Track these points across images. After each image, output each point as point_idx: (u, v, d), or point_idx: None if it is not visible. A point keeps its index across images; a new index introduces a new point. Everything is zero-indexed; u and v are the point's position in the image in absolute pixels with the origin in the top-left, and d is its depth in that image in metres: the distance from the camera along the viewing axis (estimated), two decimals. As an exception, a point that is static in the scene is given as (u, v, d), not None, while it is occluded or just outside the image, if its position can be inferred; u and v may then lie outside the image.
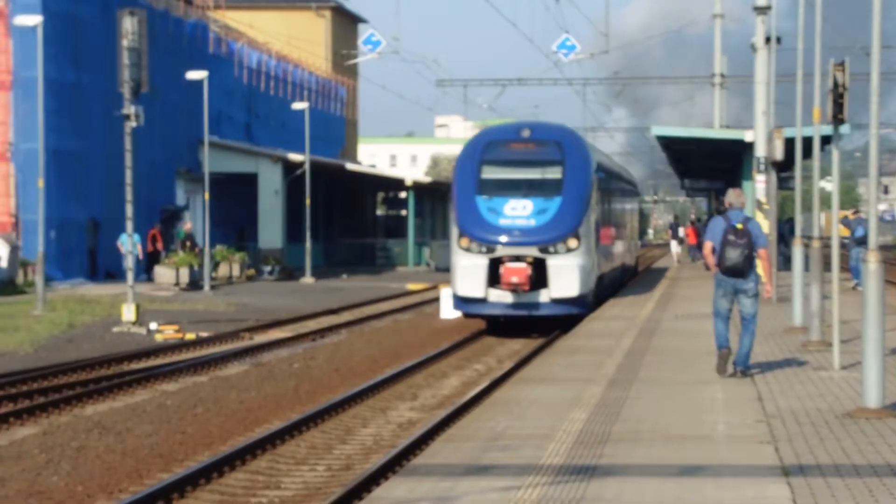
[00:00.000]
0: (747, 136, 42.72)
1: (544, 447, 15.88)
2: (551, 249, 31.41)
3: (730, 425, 17.97)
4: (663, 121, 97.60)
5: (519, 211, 31.61)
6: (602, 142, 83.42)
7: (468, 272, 31.42)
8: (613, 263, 46.54)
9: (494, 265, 31.34)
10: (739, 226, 21.24)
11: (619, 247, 50.14)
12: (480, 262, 31.18)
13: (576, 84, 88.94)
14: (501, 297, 31.44)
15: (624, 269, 55.34)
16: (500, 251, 31.25)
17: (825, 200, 36.88)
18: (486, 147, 33.96)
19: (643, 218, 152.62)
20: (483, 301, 31.51)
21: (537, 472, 14.03)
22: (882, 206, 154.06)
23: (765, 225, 34.22)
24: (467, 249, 31.60)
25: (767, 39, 39.79)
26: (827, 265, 28.59)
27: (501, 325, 34.42)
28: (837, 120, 24.15)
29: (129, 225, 38.84)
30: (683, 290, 50.13)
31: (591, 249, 33.46)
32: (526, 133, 34.45)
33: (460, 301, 32.46)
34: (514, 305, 31.50)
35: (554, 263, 31.34)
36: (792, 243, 33.74)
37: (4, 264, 52.24)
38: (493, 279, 31.32)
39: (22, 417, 22.28)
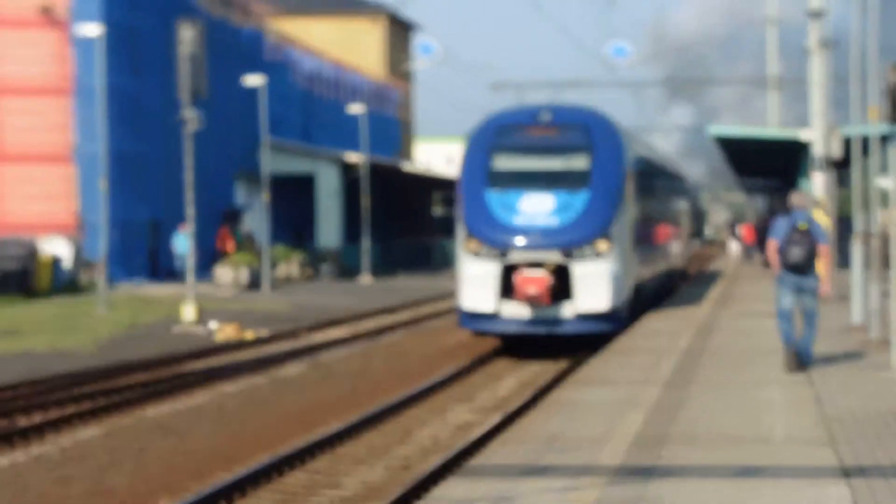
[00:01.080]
0: (803, 136, 42.41)
1: (601, 449, 15.79)
2: (577, 254, 25.89)
3: (788, 427, 17.82)
4: (723, 120, 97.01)
5: (538, 207, 26.13)
6: (658, 141, 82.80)
7: (476, 282, 26.03)
8: (656, 268, 40.33)
9: (508, 273, 25.92)
10: (803, 226, 21.73)
11: (663, 249, 43.57)
12: (492, 270, 25.84)
13: (630, 87, 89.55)
14: (517, 311, 25.97)
15: (670, 275, 49.55)
16: (515, 256, 25.89)
17: (883, 199, 36.72)
18: (498, 132, 28.04)
19: (699, 216, 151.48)
20: (495, 317, 26.03)
21: (595, 474, 13.93)
22: None
23: (825, 222, 34.23)
24: (476, 254, 26.26)
25: (823, 43, 40.09)
26: (886, 263, 29.00)
27: (517, 344, 28.86)
28: (894, 119, 24.58)
29: (190, 226, 39.34)
30: (741, 289, 49.99)
31: (625, 253, 28.01)
32: (546, 116, 28.31)
33: (467, 316, 26.86)
34: (532, 322, 26.05)
35: (580, 271, 25.82)
36: (850, 242, 33.71)
37: (68, 265, 52.62)
38: (507, 290, 25.85)
39: (85, 418, 22.43)
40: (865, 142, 30.05)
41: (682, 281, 57.97)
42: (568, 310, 25.72)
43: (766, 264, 43.91)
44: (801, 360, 22.63)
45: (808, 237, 21.93)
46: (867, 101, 27.14)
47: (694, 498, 12.66)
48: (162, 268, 60.05)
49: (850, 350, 26.75)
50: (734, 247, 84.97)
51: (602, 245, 25.94)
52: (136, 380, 27.29)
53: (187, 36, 38.26)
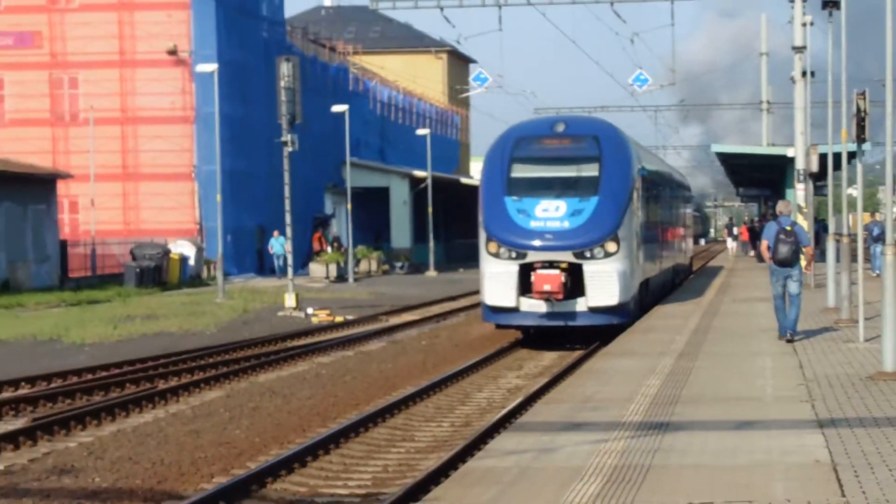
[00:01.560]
0: (789, 152, 42.13)
1: (626, 407, 16.05)
2: (588, 254, 24.37)
3: (776, 388, 18.16)
4: (726, 140, 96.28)
5: (551, 212, 24.52)
6: (670, 157, 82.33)
7: (497, 279, 24.50)
8: (662, 266, 37.43)
9: (525, 272, 24.37)
10: (788, 228, 22.88)
11: (668, 249, 40.54)
12: (511, 269, 24.28)
13: (648, 110, 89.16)
14: (534, 306, 24.37)
15: (676, 270, 45.80)
16: (532, 256, 24.30)
17: (852, 205, 36.67)
18: (516, 143, 26.37)
19: (705, 219, 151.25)
20: (515, 311, 24.54)
21: (621, 428, 14.19)
22: None
23: (805, 225, 34.34)
24: (496, 255, 24.67)
25: (804, 73, 39.78)
26: (854, 258, 29.28)
27: (534, 337, 27.33)
28: (860, 139, 24.87)
29: (289, 230, 39.83)
30: (738, 279, 49.23)
31: (632, 253, 26.22)
32: (560, 128, 26.71)
33: (489, 311, 25.38)
34: (548, 315, 24.44)
35: (591, 269, 24.30)
36: (825, 240, 34.47)
37: (193, 262, 54.08)
38: (525, 287, 24.32)
39: (210, 384, 23.05)
40: (838, 158, 29.90)
41: (689, 274, 54.66)
42: (581, 304, 24.18)
43: (759, 259, 43.64)
44: (788, 329, 23.47)
45: (793, 237, 22.86)
46: (840, 124, 26.95)
47: (701, 446, 12.92)
48: (267, 265, 60.75)
49: (825, 327, 27.02)
50: (731, 244, 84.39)
51: (611, 246, 24.43)
52: (250, 353, 27.83)
53: (285, 71, 38.38)
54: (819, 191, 42.57)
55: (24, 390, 22.11)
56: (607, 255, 24.11)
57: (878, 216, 47.66)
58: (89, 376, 23.82)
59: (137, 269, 49.58)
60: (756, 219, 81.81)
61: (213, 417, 19.84)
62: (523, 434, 14.33)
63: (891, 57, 18.39)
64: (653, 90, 65.61)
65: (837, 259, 30.47)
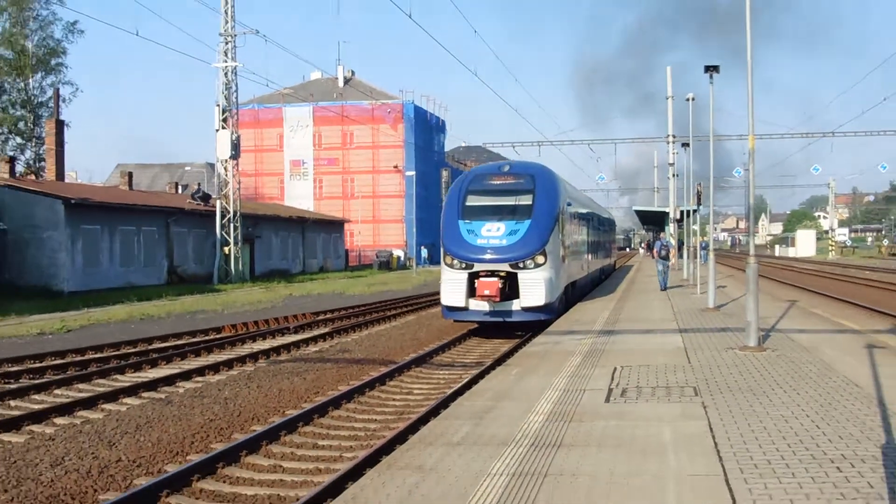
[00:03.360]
0: (667, 210, 47.94)
1: (596, 323, 19.46)
2: (521, 265, 21.62)
3: (661, 315, 21.52)
4: (641, 203, 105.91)
5: (493, 232, 22.02)
6: (615, 212, 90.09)
7: (452, 285, 21.84)
8: (589, 269, 31.94)
9: (472, 279, 21.78)
10: (664, 243, 30.68)
11: (594, 258, 34.25)
12: (461, 277, 21.68)
13: (606, 191, 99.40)
14: (480, 305, 21.72)
15: (603, 271, 40.96)
16: (478, 267, 21.72)
17: (694, 233, 44.17)
18: (472, 180, 24.02)
19: (630, 238, 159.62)
20: (465, 309, 21.82)
21: (592, 333, 17.34)
22: (722, 236, 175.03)
23: (673, 241, 42.48)
24: (451, 266, 22.05)
25: (674, 175, 48.15)
26: (695, 256, 36.43)
27: (484, 328, 24.02)
28: (698, 203, 31.31)
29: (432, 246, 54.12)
30: (645, 268, 53.39)
31: (557, 263, 22.88)
32: (506, 168, 24.52)
33: (446, 309, 22.39)
34: (491, 313, 21.70)
35: (524, 277, 21.56)
36: (682, 248, 44.26)
37: (402, 259, 75.01)
38: (472, 291, 21.74)
39: (409, 313, 29.80)
40: (688, 212, 39.94)
41: (614, 270, 51.58)
42: (516, 304, 21.52)
43: (652, 257, 49.30)
44: (663, 288, 29.64)
45: (666, 247, 29.66)
46: (691, 196, 32.62)
47: (629, 340, 15.95)
48: (435, 260, 77.97)
49: (681, 286, 31.47)
50: (642, 251, 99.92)
51: (539, 258, 21.74)
52: (425, 301, 34.44)
53: (444, 176, 57.27)
54: (679, 226, 47.22)
55: (329, 315, 28.94)
56: (537, 265, 21.65)
57: (703, 238, 58.55)
58: (356, 308, 31.29)
59: (378, 262, 70.73)
60: (650, 240, 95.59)
61: (409, 328, 24.56)
62: (545, 336, 16.82)
63: (711, 167, 24.03)
64: (609, 181, 78.51)
65: (686, 256, 38.15)
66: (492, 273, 21.58)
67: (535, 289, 21.57)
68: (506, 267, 21.64)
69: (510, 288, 21.59)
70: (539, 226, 22.38)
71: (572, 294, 26.68)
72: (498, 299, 21.32)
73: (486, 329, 23.60)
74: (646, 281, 37.66)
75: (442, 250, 22.42)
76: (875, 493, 6.51)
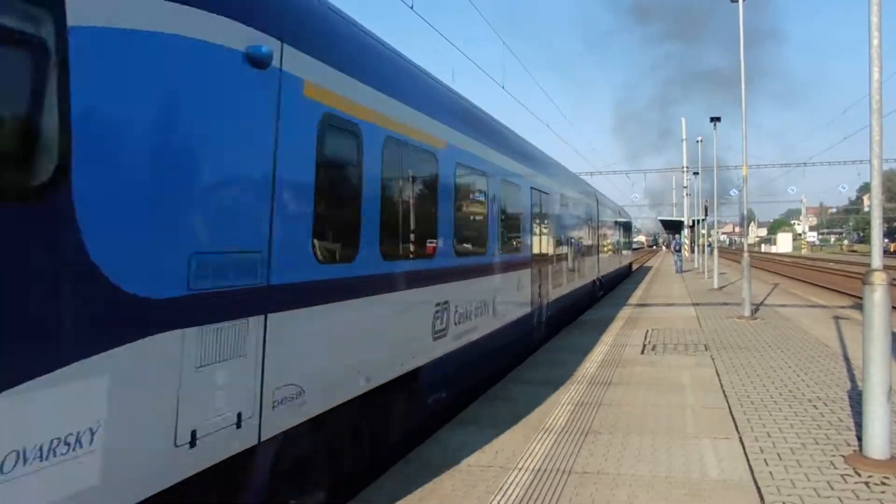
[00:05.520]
0: (683, 219, 48.43)
1: (631, 298, 18.66)
2: None
3: (679, 291, 20.77)
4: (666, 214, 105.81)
5: None
6: (646, 222, 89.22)
7: None
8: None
9: None
10: (679, 242, 30.44)
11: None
12: None
13: (638, 206, 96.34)
14: None
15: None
16: None
17: (702, 236, 43.51)
18: None
19: (657, 240, 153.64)
20: None
21: (628, 305, 16.72)
22: (723, 237, 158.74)
23: (687, 242, 40.67)
24: None
25: (687, 194, 46.13)
26: (703, 251, 31.87)
27: None
28: (706, 214, 30.14)
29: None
30: (665, 259, 52.15)
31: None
32: None
33: None
34: None
35: None
36: (694, 246, 40.33)
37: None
38: None
39: None
40: (698, 220, 35.86)
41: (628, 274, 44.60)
42: None
43: (670, 252, 48.29)
44: (679, 271, 28.58)
45: (679, 244, 29.34)
46: (700, 209, 32.63)
47: (654, 311, 15.21)
48: None
49: (695, 273, 29.65)
50: (664, 248, 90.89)
51: None
52: None
53: None
54: (692, 230, 47.31)
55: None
56: None
57: (709, 239, 56.61)
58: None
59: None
60: (669, 240, 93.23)
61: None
62: (597, 308, 16.22)
63: (715, 189, 23.17)
64: (642, 200, 73.13)
65: (697, 252, 36.02)
66: None
67: None
68: None
69: None
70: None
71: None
72: None
73: None
74: (665, 267, 36.66)
75: None
76: (844, 425, 6.22)
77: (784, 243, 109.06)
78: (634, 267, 37.37)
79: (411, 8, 8.70)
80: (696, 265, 35.88)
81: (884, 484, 4.70)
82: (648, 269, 39.42)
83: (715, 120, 22.49)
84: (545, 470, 5.10)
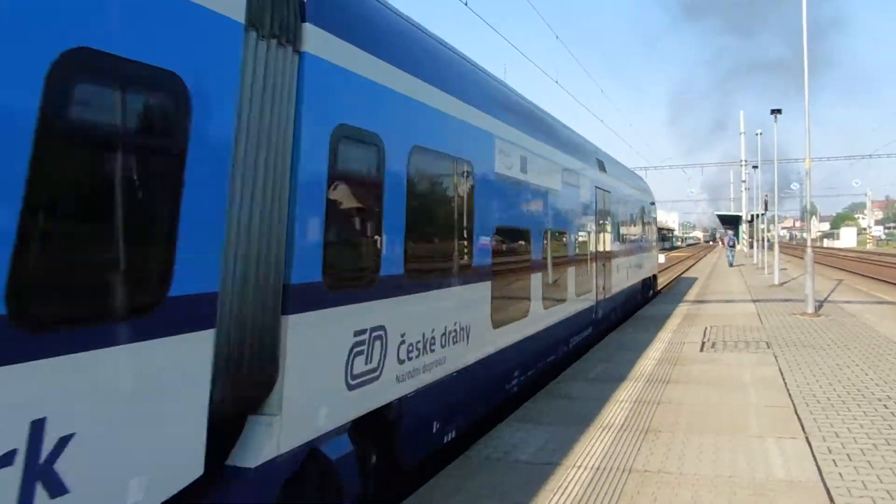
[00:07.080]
0: (741, 214, 46.88)
1: (687, 295, 18.34)
2: None
3: (738, 287, 20.05)
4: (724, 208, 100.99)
5: None
6: (701, 217, 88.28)
7: None
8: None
9: None
10: (732, 237, 30.04)
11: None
12: None
13: (693, 201, 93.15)
14: None
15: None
16: None
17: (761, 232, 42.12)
18: None
19: (713, 236, 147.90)
20: None
21: (685, 301, 16.34)
22: (782, 232, 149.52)
23: (745, 238, 39.86)
24: None
25: (746, 189, 45.50)
26: (762, 247, 32.07)
27: None
28: (765, 209, 29.70)
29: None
30: (722, 256, 50.55)
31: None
32: None
33: None
34: None
35: None
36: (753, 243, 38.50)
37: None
38: None
39: None
40: (758, 215, 35.24)
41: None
42: None
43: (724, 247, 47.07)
44: (731, 265, 28.73)
45: (732, 240, 29.08)
46: (759, 203, 31.34)
47: (713, 308, 14.94)
48: None
49: (754, 268, 29.02)
50: (720, 243, 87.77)
51: None
52: None
53: None
54: (751, 226, 46.23)
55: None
56: None
57: (768, 234, 53.92)
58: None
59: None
60: (727, 236, 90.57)
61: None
62: (655, 305, 15.92)
63: (776, 184, 22.86)
64: (698, 194, 71.34)
65: (756, 247, 34.42)
66: None
67: None
68: None
69: None
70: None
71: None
72: None
73: None
74: (719, 263, 35.92)
75: None
76: (917, 425, 5.92)
77: (847, 238, 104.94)
78: (689, 264, 36.70)
79: (465, 4, 9.09)
80: (755, 261, 34.96)
81: (961, 487, 4.57)
82: (702, 267, 38.02)
83: (776, 112, 21.85)
84: (605, 468, 5.06)
